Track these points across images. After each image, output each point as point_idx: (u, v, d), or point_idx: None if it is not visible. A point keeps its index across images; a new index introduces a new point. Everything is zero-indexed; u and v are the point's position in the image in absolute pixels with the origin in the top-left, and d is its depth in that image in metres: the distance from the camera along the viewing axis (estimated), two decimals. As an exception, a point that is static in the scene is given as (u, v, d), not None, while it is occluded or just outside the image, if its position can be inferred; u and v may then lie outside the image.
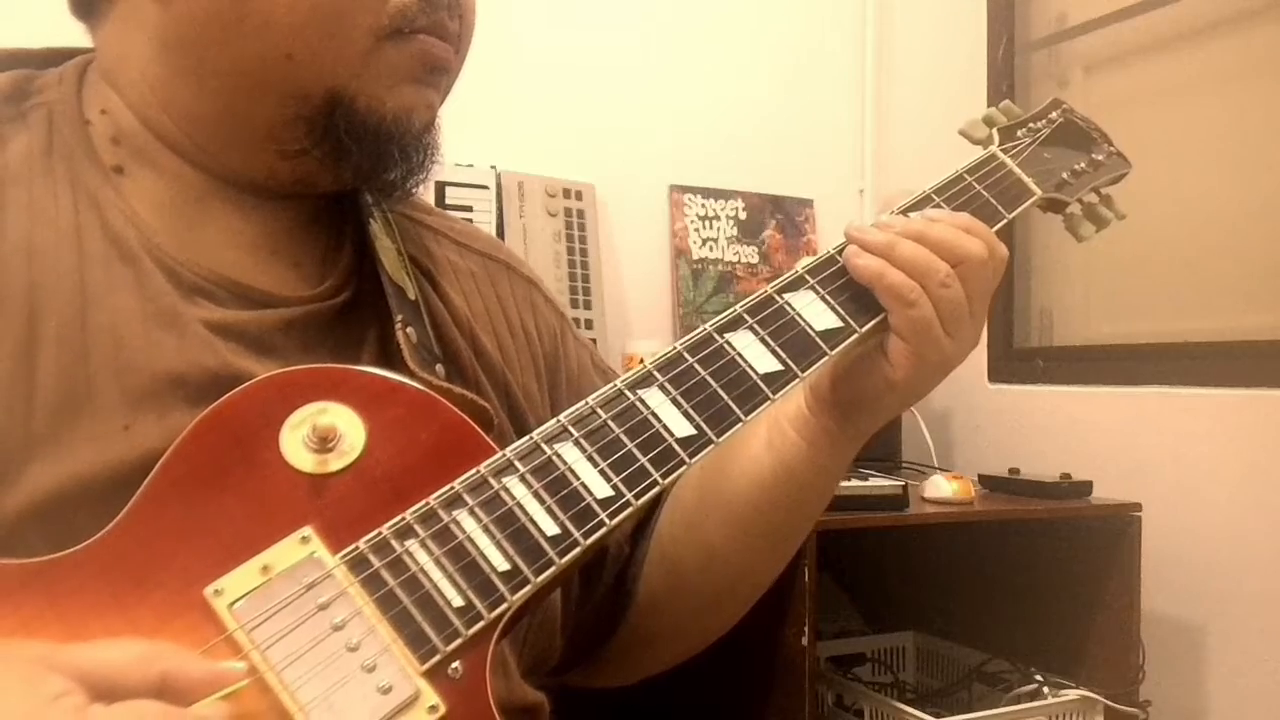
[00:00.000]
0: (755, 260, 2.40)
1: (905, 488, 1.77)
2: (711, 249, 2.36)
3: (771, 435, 0.89)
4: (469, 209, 2.02)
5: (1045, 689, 1.78)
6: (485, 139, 2.06)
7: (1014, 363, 2.38)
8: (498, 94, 2.13)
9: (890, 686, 1.99)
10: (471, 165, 2.05)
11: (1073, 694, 1.75)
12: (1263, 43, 2.04)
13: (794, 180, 2.48)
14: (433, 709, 0.60)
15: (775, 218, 2.44)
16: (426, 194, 1.92)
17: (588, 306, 2.13)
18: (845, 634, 2.17)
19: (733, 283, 2.36)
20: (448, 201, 2.00)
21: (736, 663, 1.69)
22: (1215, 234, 2.10)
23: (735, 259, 2.38)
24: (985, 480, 2.03)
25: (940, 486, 1.87)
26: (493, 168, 2.09)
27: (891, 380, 0.82)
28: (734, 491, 0.90)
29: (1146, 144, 2.02)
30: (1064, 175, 0.97)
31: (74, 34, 0.83)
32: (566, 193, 2.18)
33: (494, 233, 2.00)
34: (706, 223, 2.37)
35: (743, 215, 2.41)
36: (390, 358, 0.78)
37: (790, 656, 1.60)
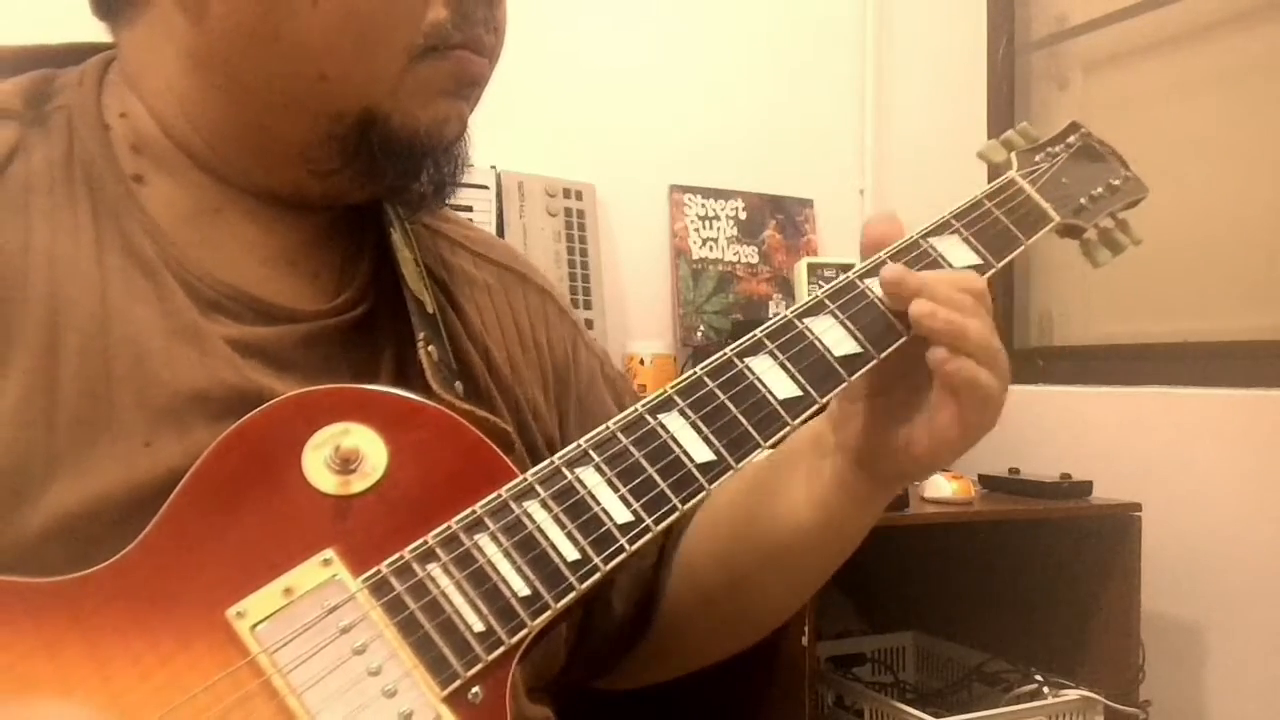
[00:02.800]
0: (755, 260, 2.39)
1: (905, 487, 1.77)
2: (711, 249, 2.36)
3: (814, 492, 0.87)
4: (469, 209, 2.01)
5: (1045, 689, 1.78)
6: (485, 139, 2.04)
7: (1014, 363, 2.36)
8: (498, 94, 2.11)
9: (890, 686, 2.00)
10: (471, 165, 2.04)
11: (1073, 694, 1.76)
12: (1263, 43, 2.05)
13: (794, 180, 2.48)
14: None
15: (775, 218, 2.44)
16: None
17: (588, 306, 2.13)
18: (845, 634, 2.17)
19: (733, 283, 2.36)
20: (447, 201, 1.99)
21: (736, 663, 1.68)
22: (1215, 234, 2.11)
23: (735, 259, 2.38)
24: (985, 480, 2.03)
25: (940, 486, 1.87)
26: (493, 168, 2.08)
27: (946, 457, 0.81)
28: (772, 535, 0.90)
29: (1146, 144, 2.02)
30: (1081, 200, 0.96)
31: (87, 29, 0.81)
32: (566, 193, 2.17)
33: (493, 233, 2.00)
34: (706, 223, 2.37)
35: (743, 215, 2.41)
36: (408, 373, 0.78)
37: (790, 656, 1.60)
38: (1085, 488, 1.92)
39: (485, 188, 2.06)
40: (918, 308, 0.78)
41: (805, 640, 1.58)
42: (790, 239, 2.44)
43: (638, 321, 2.30)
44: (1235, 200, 2.07)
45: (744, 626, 0.99)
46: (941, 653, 2.07)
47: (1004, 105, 2.49)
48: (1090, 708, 1.76)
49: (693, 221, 2.35)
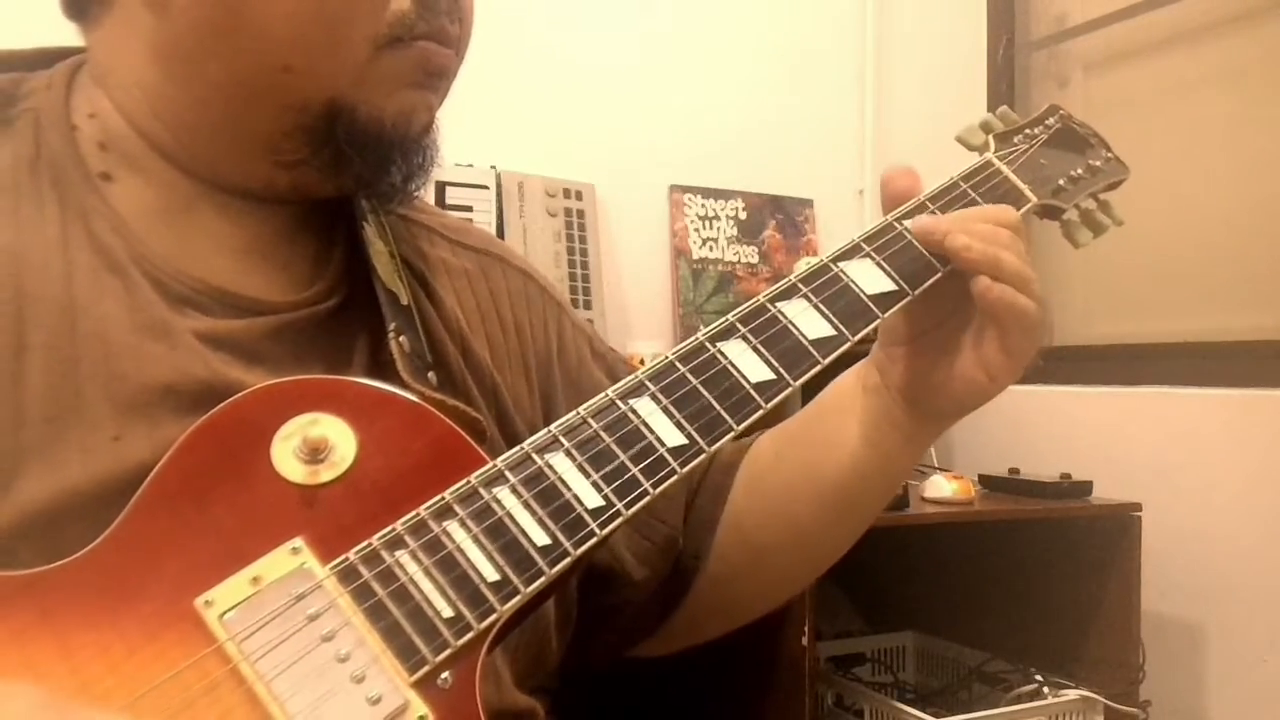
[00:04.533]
0: (755, 260, 2.40)
1: (905, 488, 1.78)
2: (711, 249, 2.36)
3: (867, 432, 0.90)
4: (469, 209, 2.02)
5: (1045, 689, 1.78)
6: (485, 139, 2.06)
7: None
8: (498, 94, 2.13)
9: (890, 686, 2.00)
10: (471, 165, 2.05)
11: (1073, 694, 1.76)
12: (1263, 43, 2.04)
13: (794, 180, 2.48)
14: (422, 719, 0.60)
15: (775, 218, 2.44)
16: (427, 194, 1.92)
17: (588, 306, 2.13)
18: (845, 634, 2.17)
19: (733, 283, 2.36)
20: (448, 201, 2.00)
21: (736, 663, 1.69)
22: (1215, 234, 2.10)
23: (735, 259, 2.38)
24: (985, 480, 2.03)
25: (940, 486, 1.88)
26: (493, 168, 2.09)
27: (995, 390, 0.84)
28: (829, 479, 0.92)
29: (1146, 144, 2.02)
30: (1060, 181, 0.96)
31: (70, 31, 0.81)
32: (566, 193, 2.18)
33: (494, 233, 2.00)
34: (706, 223, 2.37)
35: (743, 215, 2.41)
36: (381, 364, 0.78)
37: (790, 656, 1.60)
38: (1085, 488, 1.92)
39: (485, 188, 2.06)
40: (953, 241, 0.81)
41: (805, 640, 1.58)
42: (790, 239, 2.44)
43: (638, 321, 2.30)
44: (1235, 200, 2.06)
45: (798, 574, 1.01)
46: (941, 653, 2.07)
47: (1004, 105, 2.48)
48: (1090, 708, 1.76)
49: (693, 221, 2.36)
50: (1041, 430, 2.25)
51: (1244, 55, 2.08)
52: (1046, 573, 2.00)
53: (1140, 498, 1.87)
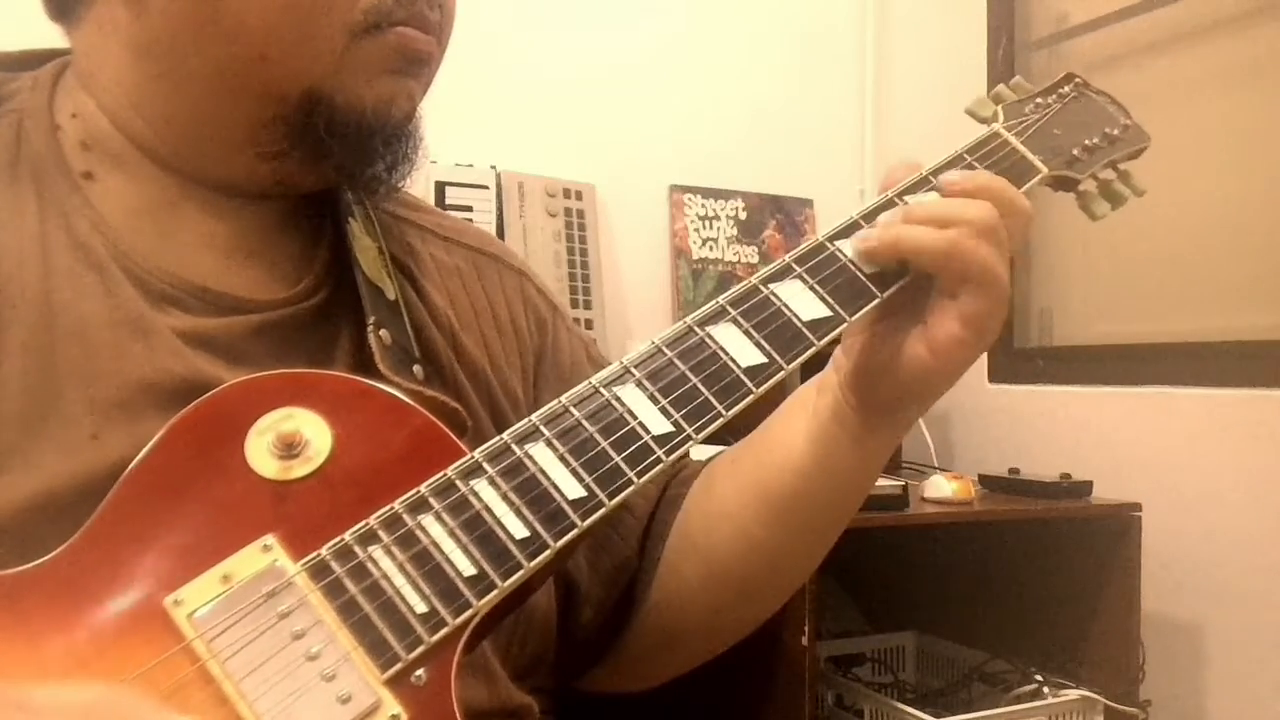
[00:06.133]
0: (755, 260, 2.39)
1: (905, 488, 1.77)
2: (711, 249, 2.36)
3: (813, 430, 0.85)
4: (469, 209, 2.02)
5: (1045, 689, 1.78)
6: (485, 139, 2.07)
7: (1014, 363, 2.37)
8: (498, 94, 2.13)
9: (890, 686, 1.99)
10: (471, 165, 2.05)
11: (1073, 694, 1.75)
12: (1263, 43, 2.04)
13: (794, 180, 2.48)
14: (394, 718, 0.59)
15: (775, 218, 2.44)
16: (427, 194, 1.92)
17: (588, 306, 2.13)
18: (845, 634, 2.16)
19: (733, 283, 2.34)
20: (448, 201, 2.00)
21: (736, 663, 1.68)
22: (1215, 234, 2.09)
23: (735, 259, 2.38)
24: (985, 480, 2.03)
25: (940, 486, 1.87)
26: (493, 168, 2.09)
27: (943, 372, 0.79)
28: (774, 483, 0.87)
29: (1146, 143, 2.00)
30: (1075, 152, 0.91)
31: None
32: (566, 193, 2.17)
33: (494, 233, 2.00)
34: (706, 223, 2.37)
35: (743, 215, 2.41)
36: (365, 360, 0.77)
37: (790, 656, 1.60)
38: (1085, 488, 1.92)
39: (485, 188, 2.06)
40: (910, 245, 0.76)
41: (805, 640, 1.57)
42: (790, 239, 2.43)
43: (638, 321, 2.30)
44: (1235, 200, 2.05)
45: (754, 593, 0.95)
46: (941, 653, 2.06)
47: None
48: (1090, 708, 1.75)
49: (693, 221, 2.36)
50: (1041, 430, 2.25)
51: (1244, 55, 2.07)
52: (1046, 573, 1.99)
53: (1140, 498, 1.86)
